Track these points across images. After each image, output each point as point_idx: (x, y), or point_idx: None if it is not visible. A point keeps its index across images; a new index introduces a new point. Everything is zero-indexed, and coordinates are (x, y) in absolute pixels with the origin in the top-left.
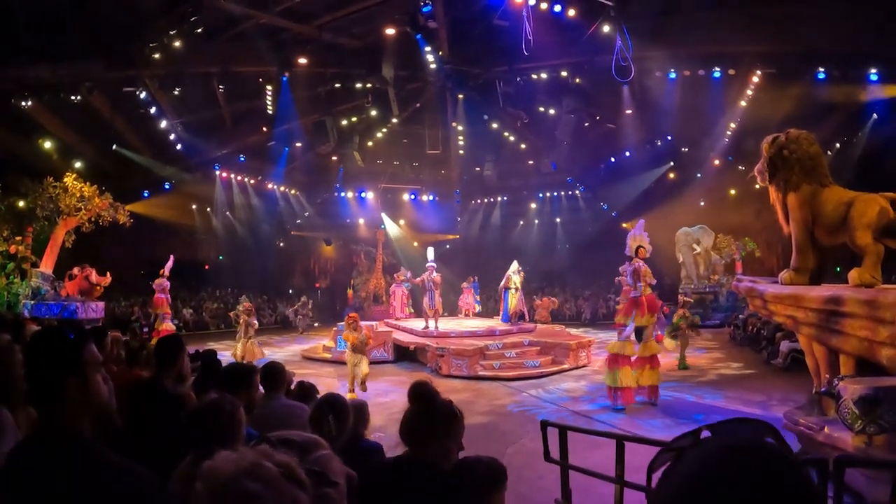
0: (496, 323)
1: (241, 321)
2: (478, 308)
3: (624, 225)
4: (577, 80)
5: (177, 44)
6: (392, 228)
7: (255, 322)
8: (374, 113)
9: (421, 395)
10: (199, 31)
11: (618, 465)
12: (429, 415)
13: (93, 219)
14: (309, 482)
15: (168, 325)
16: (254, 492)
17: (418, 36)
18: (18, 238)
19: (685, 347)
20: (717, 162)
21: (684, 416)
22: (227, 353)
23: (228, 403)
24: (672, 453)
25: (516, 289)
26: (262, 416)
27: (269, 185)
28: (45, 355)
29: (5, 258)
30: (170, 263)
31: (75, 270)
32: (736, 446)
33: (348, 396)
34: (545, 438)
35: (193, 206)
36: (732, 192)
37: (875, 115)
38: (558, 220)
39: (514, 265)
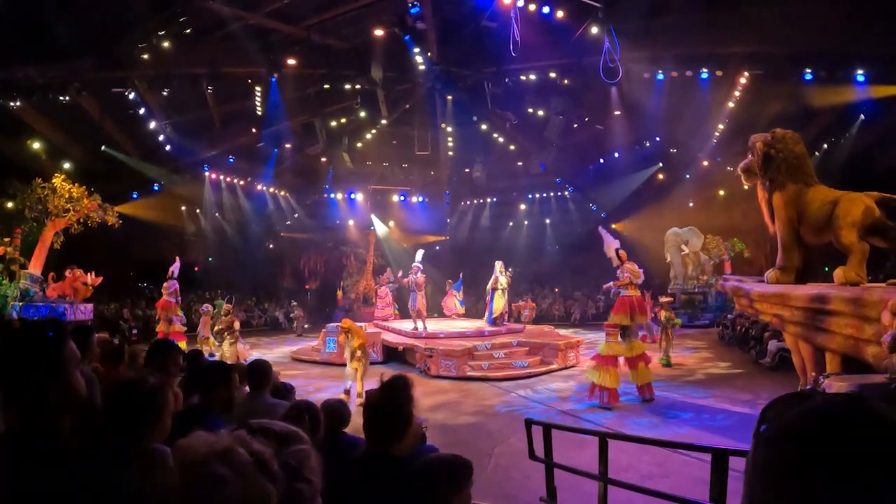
0: (485, 324)
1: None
2: (459, 308)
3: (613, 226)
4: (566, 82)
5: (165, 45)
6: (381, 230)
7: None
8: (363, 114)
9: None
10: (188, 32)
11: (601, 463)
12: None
13: (81, 220)
14: (281, 475)
15: (177, 327)
16: (223, 477)
17: (407, 37)
18: (7, 239)
19: (669, 345)
20: (705, 163)
21: (672, 415)
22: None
23: (149, 384)
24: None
25: (503, 290)
26: (246, 413)
27: (259, 187)
28: (28, 355)
29: None
30: (176, 265)
31: (66, 273)
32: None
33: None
34: (530, 437)
35: (182, 208)
36: (721, 192)
37: (862, 116)
38: (547, 221)
39: (499, 265)
